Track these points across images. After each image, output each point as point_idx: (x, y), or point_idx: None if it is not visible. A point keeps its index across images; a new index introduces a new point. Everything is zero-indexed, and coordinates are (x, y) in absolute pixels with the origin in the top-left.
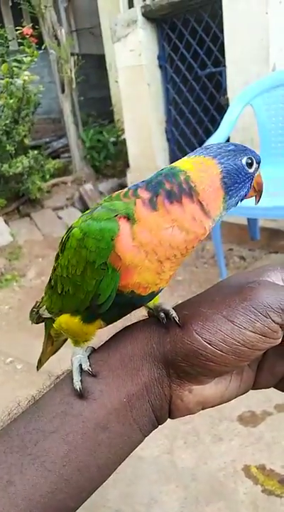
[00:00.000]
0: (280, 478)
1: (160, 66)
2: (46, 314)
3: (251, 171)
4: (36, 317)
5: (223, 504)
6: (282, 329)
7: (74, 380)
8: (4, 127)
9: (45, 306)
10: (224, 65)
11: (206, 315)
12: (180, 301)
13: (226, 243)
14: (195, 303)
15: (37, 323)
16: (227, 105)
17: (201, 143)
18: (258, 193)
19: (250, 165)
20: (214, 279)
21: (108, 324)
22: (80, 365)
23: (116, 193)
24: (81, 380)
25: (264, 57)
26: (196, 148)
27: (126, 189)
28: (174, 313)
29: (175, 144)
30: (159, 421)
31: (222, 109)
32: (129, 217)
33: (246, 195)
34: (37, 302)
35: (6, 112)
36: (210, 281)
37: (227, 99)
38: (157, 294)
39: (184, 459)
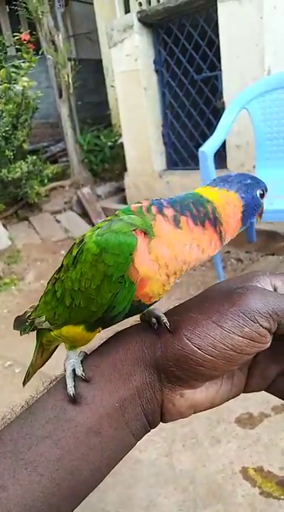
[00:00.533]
0: (277, 480)
1: (157, 71)
2: (45, 325)
3: (263, 200)
4: (29, 328)
5: (221, 507)
6: (271, 334)
7: (67, 386)
8: (3, 133)
9: (43, 318)
10: (220, 69)
11: (196, 320)
12: (177, 304)
13: (223, 246)
14: (186, 308)
15: (28, 333)
16: (223, 109)
17: (197, 146)
18: (260, 215)
19: (262, 196)
20: (211, 282)
21: (104, 328)
22: (73, 370)
23: (137, 205)
24: (74, 386)
25: (259, 61)
26: (193, 153)
27: (148, 203)
28: (165, 319)
29: (172, 147)
30: (151, 425)
31: (218, 112)
32: (146, 232)
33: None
34: (26, 312)
35: (5, 118)
36: (207, 284)
37: (223, 102)
38: (155, 302)
39: (182, 462)
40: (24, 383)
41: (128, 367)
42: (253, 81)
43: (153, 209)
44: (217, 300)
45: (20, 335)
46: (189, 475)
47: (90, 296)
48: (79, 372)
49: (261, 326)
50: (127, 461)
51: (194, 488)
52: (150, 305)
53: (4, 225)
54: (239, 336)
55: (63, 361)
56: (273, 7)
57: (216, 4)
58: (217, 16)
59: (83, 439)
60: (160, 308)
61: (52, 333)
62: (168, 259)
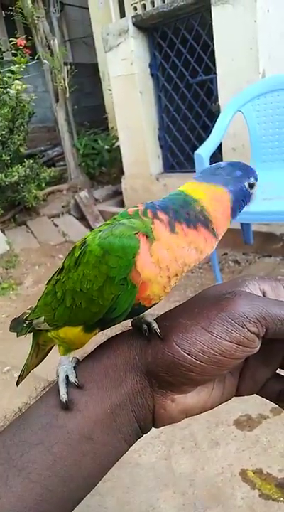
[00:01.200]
0: (277, 482)
1: (152, 74)
2: (43, 327)
3: (253, 191)
4: (27, 330)
5: (220, 510)
6: (259, 338)
7: (60, 393)
8: (0, 137)
9: (41, 319)
10: (215, 73)
11: (186, 326)
12: (175, 306)
13: (220, 248)
14: (176, 314)
15: (25, 335)
16: (218, 112)
17: (193, 149)
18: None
19: (252, 186)
20: (209, 284)
21: (101, 330)
22: (66, 377)
23: (133, 209)
24: (67, 392)
25: (254, 65)
26: (189, 155)
27: (143, 207)
28: (155, 325)
29: (168, 150)
30: (143, 430)
31: (214, 115)
32: (148, 236)
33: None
34: (24, 314)
35: (0, 122)
36: (205, 286)
37: (218, 106)
38: (151, 307)
39: (181, 465)
40: (18, 383)
41: (119, 373)
42: (247, 84)
43: (149, 213)
44: (206, 306)
45: (17, 336)
46: (189, 478)
47: (91, 297)
48: (72, 378)
49: (249, 330)
50: (126, 465)
51: (194, 491)
52: (150, 307)
53: (2, 230)
54: (228, 341)
55: (56, 367)
56: (266, 11)
57: (210, 8)
58: (211, 20)
59: (75, 446)
60: (158, 310)
61: (49, 334)
62: (169, 262)
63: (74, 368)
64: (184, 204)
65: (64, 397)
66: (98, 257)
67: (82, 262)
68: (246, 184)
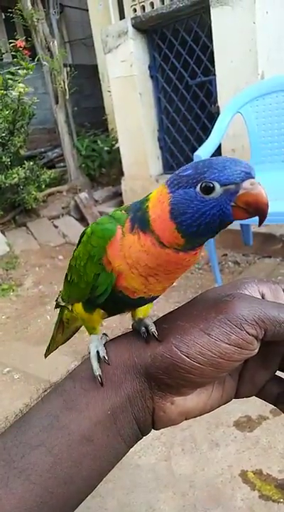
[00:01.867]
0: (277, 483)
1: (152, 76)
2: (61, 302)
3: (212, 196)
4: (55, 304)
5: (221, 511)
6: (258, 340)
7: (93, 367)
8: (0, 139)
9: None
10: (214, 74)
11: (184, 328)
12: (175, 307)
13: (220, 249)
14: (175, 316)
15: (56, 308)
16: (218, 113)
17: (193, 150)
18: (254, 214)
19: (208, 190)
20: (209, 285)
21: (109, 315)
22: (97, 352)
23: (127, 204)
24: (100, 367)
25: (253, 66)
26: (188, 156)
27: (129, 204)
28: (154, 328)
29: (168, 151)
30: (143, 432)
31: (213, 117)
32: (122, 229)
33: (219, 219)
34: (60, 291)
35: (1, 124)
36: (205, 287)
37: (218, 107)
38: (150, 300)
39: (181, 466)
40: (46, 355)
41: (119, 375)
42: (246, 85)
43: (126, 209)
44: (205, 308)
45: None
46: (189, 479)
47: (80, 273)
48: (102, 353)
49: (248, 333)
50: (126, 467)
51: (194, 492)
52: (144, 302)
53: (2, 231)
54: (226, 343)
55: (88, 344)
56: (265, 12)
57: (209, 10)
58: (210, 22)
59: (76, 447)
60: (158, 311)
61: (67, 311)
62: (131, 262)
63: (105, 344)
64: (141, 201)
65: (97, 371)
66: (88, 236)
67: (81, 241)
68: (196, 187)
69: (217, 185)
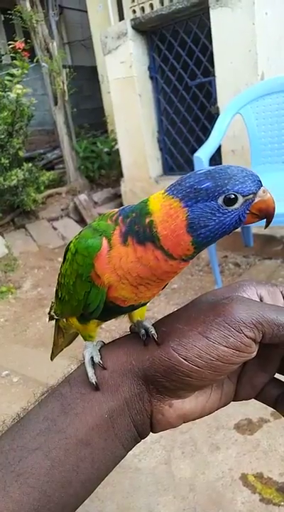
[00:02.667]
0: (277, 487)
1: (151, 77)
2: (55, 316)
3: (235, 207)
4: (49, 316)
5: None
6: (256, 343)
7: (88, 374)
8: None
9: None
10: (214, 75)
11: (183, 331)
12: (175, 309)
13: (220, 250)
14: (173, 319)
15: (50, 320)
16: (217, 114)
17: (193, 151)
18: (263, 218)
19: (231, 201)
20: (209, 287)
21: (104, 321)
22: (92, 358)
23: (112, 211)
24: (94, 373)
25: (252, 67)
26: (188, 158)
27: (115, 211)
28: (153, 331)
29: (168, 152)
30: (141, 435)
31: (213, 118)
32: (109, 240)
33: (234, 227)
34: (52, 302)
35: (0, 125)
36: (205, 289)
37: (217, 108)
38: (139, 306)
39: (181, 469)
40: (51, 358)
41: (116, 378)
42: (246, 86)
43: (114, 217)
44: (203, 311)
45: (47, 321)
46: (189, 483)
47: (70, 291)
48: (97, 359)
49: (246, 335)
50: (126, 470)
51: (194, 496)
52: (133, 308)
53: (1, 233)
54: (224, 346)
55: (82, 351)
56: (265, 13)
57: (208, 11)
58: (210, 23)
59: (73, 451)
60: (158, 313)
61: (60, 323)
62: (123, 272)
63: (99, 350)
64: (139, 215)
65: (92, 378)
66: (72, 254)
67: (66, 258)
68: (220, 199)
69: (240, 197)
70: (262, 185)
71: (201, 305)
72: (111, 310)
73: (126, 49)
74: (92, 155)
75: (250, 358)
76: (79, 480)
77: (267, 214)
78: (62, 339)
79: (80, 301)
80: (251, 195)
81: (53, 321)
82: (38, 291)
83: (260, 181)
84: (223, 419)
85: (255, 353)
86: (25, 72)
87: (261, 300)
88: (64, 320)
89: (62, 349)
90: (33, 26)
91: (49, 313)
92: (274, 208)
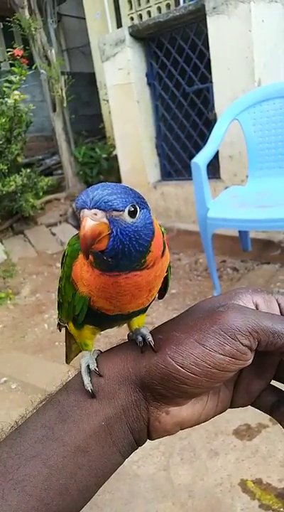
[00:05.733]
0: (276, 493)
1: (149, 84)
2: (60, 322)
3: (82, 221)
4: (57, 323)
5: None
6: (252, 351)
7: (84, 382)
8: None
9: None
10: (211, 82)
11: (179, 339)
12: (174, 315)
13: (218, 255)
14: (170, 327)
15: (58, 327)
16: (215, 120)
17: (190, 157)
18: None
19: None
20: (207, 292)
21: (102, 330)
22: (88, 366)
23: None
24: (90, 381)
25: (249, 73)
26: (186, 163)
27: None
28: (150, 338)
29: (166, 158)
30: (138, 443)
31: (210, 124)
32: None
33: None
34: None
35: None
36: (204, 294)
37: (215, 114)
38: (132, 315)
39: (180, 476)
40: (67, 362)
41: (113, 385)
42: (243, 93)
43: None
44: (200, 319)
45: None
46: (188, 489)
47: (62, 293)
48: (93, 367)
49: (242, 343)
50: (124, 477)
51: (193, 502)
52: (128, 317)
53: None
54: (220, 354)
55: (80, 360)
56: (261, 20)
57: (205, 18)
58: (207, 30)
59: (71, 458)
60: (156, 318)
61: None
62: (85, 282)
63: (96, 358)
64: None
65: (88, 385)
66: (64, 257)
67: (62, 263)
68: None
69: (76, 211)
70: (84, 208)
71: (198, 313)
72: (101, 317)
73: (124, 56)
74: (91, 161)
75: (246, 365)
76: (77, 487)
77: (82, 236)
78: (75, 345)
79: (69, 303)
80: (79, 212)
81: (52, 328)
82: (37, 297)
83: (88, 201)
84: (221, 424)
85: (250, 361)
86: (23, 78)
87: (257, 308)
88: (67, 327)
89: (77, 354)
90: (32, 34)
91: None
92: (85, 237)
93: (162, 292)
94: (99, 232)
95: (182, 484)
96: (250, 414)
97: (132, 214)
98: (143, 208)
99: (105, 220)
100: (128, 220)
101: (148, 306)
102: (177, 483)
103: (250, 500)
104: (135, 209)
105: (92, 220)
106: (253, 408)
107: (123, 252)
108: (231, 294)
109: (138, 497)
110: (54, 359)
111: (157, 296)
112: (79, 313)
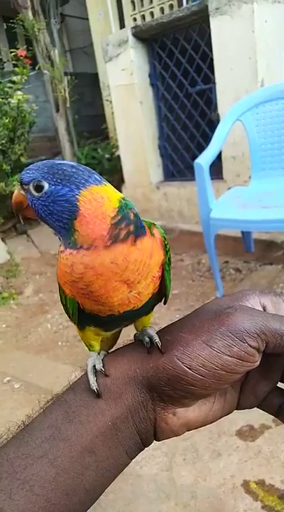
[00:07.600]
0: (279, 494)
1: (152, 84)
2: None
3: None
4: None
5: None
6: (259, 353)
7: (90, 382)
8: (0, 146)
9: None
10: (214, 82)
11: (187, 340)
12: (177, 315)
13: (221, 256)
14: (177, 328)
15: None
16: (218, 121)
17: (193, 158)
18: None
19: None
20: (210, 292)
21: (106, 331)
22: (94, 366)
23: None
24: (96, 381)
25: (252, 74)
26: (189, 164)
27: None
28: (157, 339)
29: (169, 159)
30: (144, 443)
31: (213, 124)
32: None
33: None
34: None
35: (1, 132)
36: (206, 294)
37: (218, 114)
38: (131, 316)
39: (183, 476)
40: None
41: (120, 386)
42: (246, 93)
43: None
44: (207, 320)
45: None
46: (190, 490)
47: (60, 292)
48: (99, 367)
49: (250, 345)
50: (127, 477)
51: (196, 503)
52: (125, 318)
53: (2, 239)
54: (228, 355)
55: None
56: (264, 21)
57: (208, 19)
58: (210, 30)
59: (78, 459)
60: (159, 319)
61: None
62: (61, 281)
63: (103, 359)
64: None
65: (93, 385)
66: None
67: None
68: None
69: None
70: (29, 179)
71: (205, 314)
72: (97, 319)
73: (127, 56)
74: (93, 161)
75: (254, 367)
76: (84, 488)
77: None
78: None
79: (64, 305)
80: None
81: (55, 328)
82: (40, 297)
83: (31, 173)
84: (224, 425)
85: (258, 363)
86: (25, 78)
87: (264, 309)
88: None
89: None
90: (35, 34)
91: None
92: (12, 204)
93: (162, 296)
94: (19, 201)
95: (184, 485)
96: (254, 415)
97: (38, 188)
98: (57, 186)
99: (22, 192)
100: (35, 193)
101: (148, 307)
102: (180, 484)
103: (253, 501)
104: (41, 185)
105: (17, 191)
106: (257, 409)
107: (45, 220)
108: (238, 296)
109: (140, 497)
110: (57, 359)
111: (162, 300)
112: (73, 313)
